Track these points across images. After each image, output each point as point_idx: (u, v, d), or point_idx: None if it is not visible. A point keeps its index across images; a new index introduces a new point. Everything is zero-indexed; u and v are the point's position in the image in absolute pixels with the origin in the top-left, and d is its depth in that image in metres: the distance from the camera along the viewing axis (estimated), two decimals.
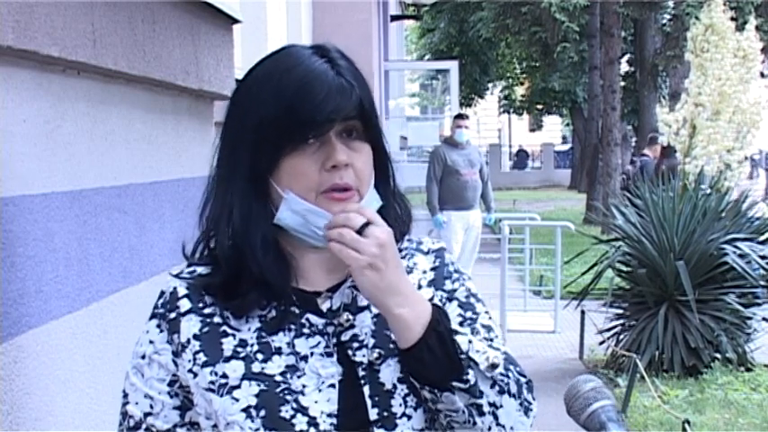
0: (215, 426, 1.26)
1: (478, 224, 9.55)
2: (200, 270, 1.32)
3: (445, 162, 9.23)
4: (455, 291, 1.38)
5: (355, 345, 1.28)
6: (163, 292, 1.33)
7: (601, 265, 7.11)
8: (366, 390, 1.26)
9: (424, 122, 16.81)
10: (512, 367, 1.29)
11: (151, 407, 1.30)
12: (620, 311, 7.19)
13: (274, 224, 1.28)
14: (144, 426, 1.30)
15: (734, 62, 7.39)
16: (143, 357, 1.31)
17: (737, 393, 6.06)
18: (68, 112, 2.07)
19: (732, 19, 7.56)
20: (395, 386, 1.27)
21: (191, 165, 3.00)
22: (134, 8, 2.42)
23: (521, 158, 41.63)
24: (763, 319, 6.82)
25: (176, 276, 1.33)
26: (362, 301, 1.31)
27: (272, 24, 6.70)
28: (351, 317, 1.30)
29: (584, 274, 7.52)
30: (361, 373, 1.26)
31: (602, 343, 7.23)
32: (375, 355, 1.27)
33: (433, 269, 1.40)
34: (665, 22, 21.41)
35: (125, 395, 1.33)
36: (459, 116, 9.71)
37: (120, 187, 2.36)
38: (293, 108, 1.24)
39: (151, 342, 1.30)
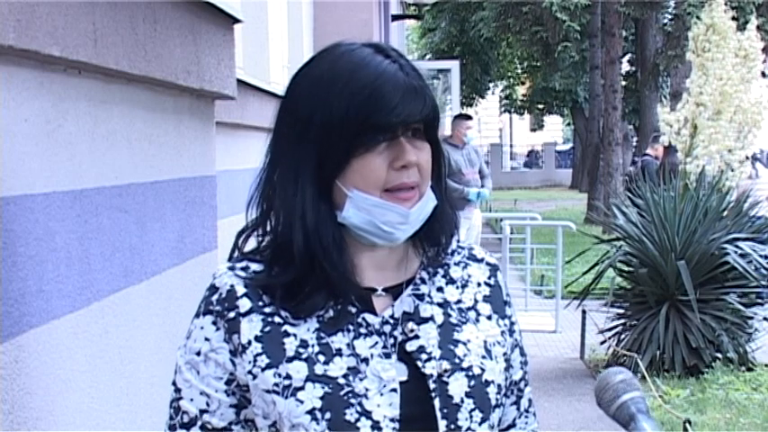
0: (272, 425, 1.25)
1: (478, 223, 9.56)
2: (254, 267, 1.30)
3: (448, 162, 9.19)
4: (513, 323, 1.41)
5: (423, 356, 1.28)
6: (216, 288, 1.30)
7: (602, 264, 7.11)
8: (437, 402, 1.26)
9: None
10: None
11: (207, 404, 1.29)
12: (622, 311, 7.19)
13: (339, 224, 1.28)
14: (199, 423, 1.29)
15: (735, 62, 7.38)
16: (198, 354, 1.29)
17: (739, 393, 6.06)
18: (70, 112, 2.07)
19: (733, 18, 7.55)
20: (462, 400, 1.27)
21: (192, 164, 3.00)
22: (135, 8, 2.41)
23: (531, 158, 42.76)
24: (765, 318, 6.82)
25: (232, 272, 1.30)
26: (425, 312, 1.32)
27: (273, 24, 6.69)
28: (415, 326, 1.30)
29: (585, 273, 7.52)
30: (432, 386, 1.26)
31: (603, 343, 7.24)
32: (444, 367, 1.28)
33: (488, 285, 1.40)
34: (666, 21, 21.40)
35: (177, 390, 1.31)
36: (467, 117, 9.58)
37: (121, 187, 2.36)
38: (367, 112, 1.23)
39: (207, 339, 1.28)
